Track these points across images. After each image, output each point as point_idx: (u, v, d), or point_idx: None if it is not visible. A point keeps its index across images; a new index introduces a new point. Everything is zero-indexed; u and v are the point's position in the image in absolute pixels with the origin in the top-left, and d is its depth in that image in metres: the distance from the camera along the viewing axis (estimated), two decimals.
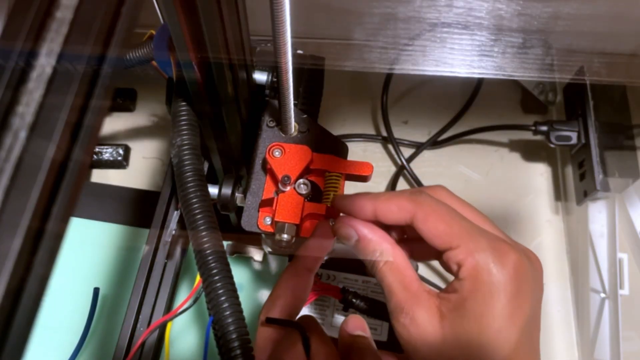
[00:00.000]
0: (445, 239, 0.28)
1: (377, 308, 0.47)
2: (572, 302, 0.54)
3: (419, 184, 0.56)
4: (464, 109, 0.59)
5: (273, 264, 0.51)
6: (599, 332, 0.48)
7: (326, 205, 0.34)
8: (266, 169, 0.36)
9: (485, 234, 0.28)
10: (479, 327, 0.27)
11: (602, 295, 0.49)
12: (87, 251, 0.51)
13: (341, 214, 0.32)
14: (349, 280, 0.49)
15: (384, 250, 0.30)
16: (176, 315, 0.28)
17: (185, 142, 0.29)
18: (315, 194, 0.35)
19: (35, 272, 0.14)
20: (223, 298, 0.26)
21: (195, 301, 0.28)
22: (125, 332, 0.41)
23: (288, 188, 0.34)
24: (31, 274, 0.14)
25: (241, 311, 0.27)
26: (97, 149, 0.56)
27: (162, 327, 0.30)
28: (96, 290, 0.36)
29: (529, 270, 0.28)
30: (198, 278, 0.28)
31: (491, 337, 0.27)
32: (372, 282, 0.48)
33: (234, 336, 0.26)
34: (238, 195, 0.37)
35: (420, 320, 0.28)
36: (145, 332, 0.27)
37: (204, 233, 0.28)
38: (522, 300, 0.27)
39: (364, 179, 0.36)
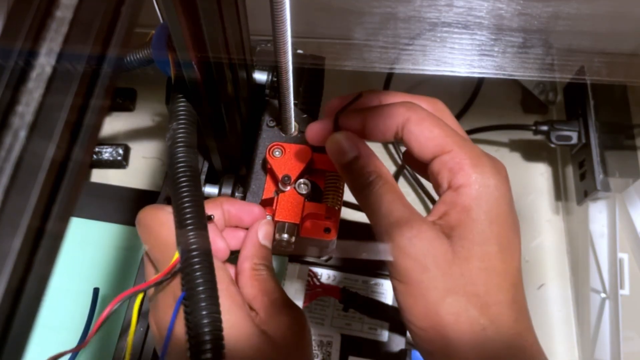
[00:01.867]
0: (438, 142, 0.26)
1: (377, 308, 0.47)
2: (573, 302, 0.54)
3: (420, 183, 0.56)
4: (464, 109, 0.59)
5: (273, 263, 0.51)
6: (599, 332, 0.48)
7: (326, 205, 0.34)
8: (266, 168, 0.36)
9: (473, 144, 0.27)
10: (491, 235, 0.24)
11: (603, 295, 0.49)
12: (87, 251, 0.51)
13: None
14: (349, 280, 0.49)
15: (382, 171, 0.27)
16: (147, 288, 0.27)
17: (180, 138, 0.28)
18: (315, 194, 0.35)
19: (35, 272, 0.14)
20: (199, 273, 0.26)
21: (172, 276, 0.27)
22: (125, 332, 0.41)
23: (288, 188, 0.34)
24: (31, 274, 0.14)
25: (216, 290, 0.26)
26: (97, 149, 0.56)
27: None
28: (96, 290, 0.36)
29: (509, 180, 0.26)
30: (176, 255, 0.27)
31: (504, 244, 0.24)
32: (372, 282, 0.48)
33: (204, 313, 0.25)
34: (238, 195, 0.37)
35: (429, 234, 0.25)
36: (112, 302, 0.26)
37: (191, 230, 0.27)
38: (514, 209, 0.26)
39: None
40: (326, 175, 0.35)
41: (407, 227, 0.25)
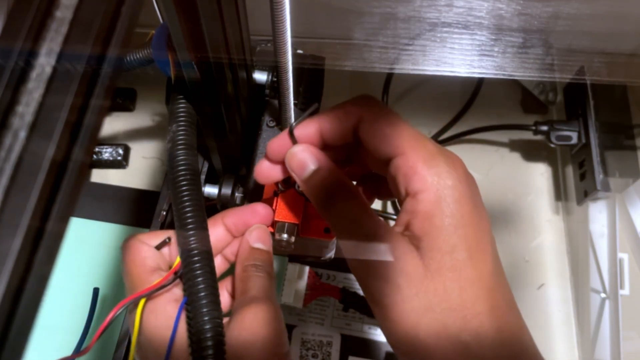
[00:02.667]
0: (391, 142, 0.24)
1: None
2: (573, 302, 0.54)
3: None
4: (464, 109, 0.59)
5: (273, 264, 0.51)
6: (599, 332, 0.48)
7: None
8: None
9: (429, 139, 0.25)
10: (458, 241, 0.23)
11: (603, 295, 0.49)
12: (87, 251, 0.51)
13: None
14: (349, 280, 0.49)
15: (345, 182, 0.26)
16: (150, 293, 0.27)
17: (180, 138, 0.28)
18: None
19: (35, 272, 0.14)
20: (200, 279, 0.26)
21: (173, 280, 0.28)
22: (125, 332, 0.41)
23: (288, 188, 0.34)
24: (31, 274, 0.14)
25: (217, 295, 0.26)
26: (96, 149, 0.56)
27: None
28: (96, 290, 0.36)
29: (469, 173, 0.25)
30: (178, 260, 0.27)
31: (473, 248, 0.23)
32: None
33: (206, 318, 0.25)
34: (238, 195, 0.37)
35: (398, 250, 0.23)
36: (115, 308, 0.26)
37: (192, 232, 0.27)
38: (481, 205, 0.24)
39: None
40: None
41: (377, 241, 0.24)
